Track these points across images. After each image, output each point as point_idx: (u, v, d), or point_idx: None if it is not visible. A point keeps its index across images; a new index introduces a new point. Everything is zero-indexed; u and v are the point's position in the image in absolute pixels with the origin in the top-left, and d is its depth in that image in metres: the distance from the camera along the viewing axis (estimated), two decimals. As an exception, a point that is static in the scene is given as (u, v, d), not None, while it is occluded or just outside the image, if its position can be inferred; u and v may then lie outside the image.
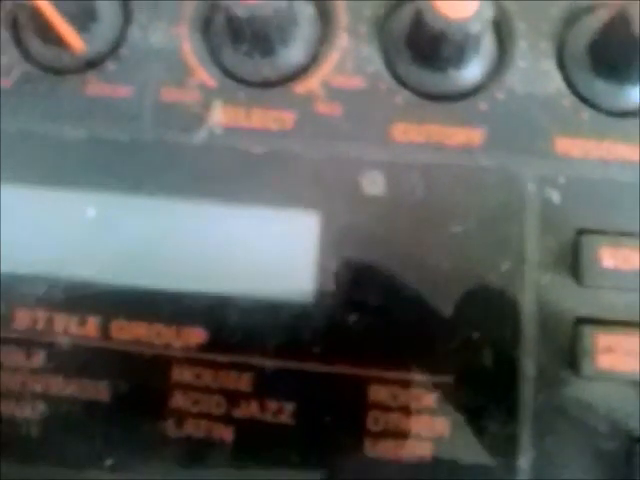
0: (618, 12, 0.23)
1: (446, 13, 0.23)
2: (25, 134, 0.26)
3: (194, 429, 0.25)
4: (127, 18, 0.27)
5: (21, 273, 0.26)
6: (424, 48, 0.25)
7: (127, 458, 0.25)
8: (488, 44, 0.26)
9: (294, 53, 0.26)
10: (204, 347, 0.25)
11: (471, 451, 0.24)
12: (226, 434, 0.25)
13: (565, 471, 0.24)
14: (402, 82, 0.26)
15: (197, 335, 0.25)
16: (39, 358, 0.25)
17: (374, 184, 0.25)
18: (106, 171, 0.26)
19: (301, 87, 0.26)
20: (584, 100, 0.26)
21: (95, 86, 0.26)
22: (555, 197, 0.25)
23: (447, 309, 0.25)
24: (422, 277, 0.25)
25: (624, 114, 0.25)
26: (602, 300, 0.24)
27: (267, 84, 0.26)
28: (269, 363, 0.25)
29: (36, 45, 0.27)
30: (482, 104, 0.26)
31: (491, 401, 0.24)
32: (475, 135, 0.25)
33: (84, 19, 0.26)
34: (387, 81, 0.26)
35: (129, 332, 0.25)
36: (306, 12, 0.27)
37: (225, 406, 0.25)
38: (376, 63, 0.26)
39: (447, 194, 0.25)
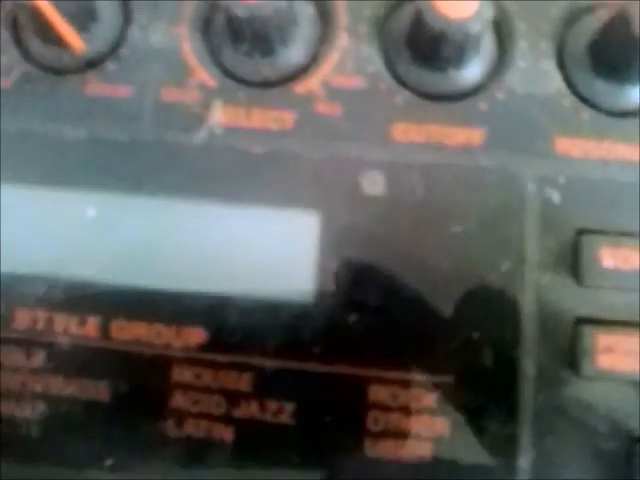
0: (618, 12, 0.23)
1: (446, 13, 0.23)
2: (25, 134, 0.26)
3: (194, 429, 0.25)
4: (127, 18, 0.27)
5: (21, 273, 0.26)
6: (424, 48, 0.25)
7: (127, 458, 0.25)
8: (488, 44, 0.26)
9: (294, 53, 0.26)
10: (204, 347, 0.25)
11: (471, 451, 0.24)
12: (226, 434, 0.25)
13: (565, 471, 0.24)
14: (402, 82, 0.26)
15: (197, 335, 0.25)
16: (39, 358, 0.25)
17: (374, 184, 0.25)
18: (106, 171, 0.26)
19: (301, 87, 0.26)
20: (584, 100, 0.26)
21: (95, 86, 0.26)
22: (555, 197, 0.25)
23: (447, 309, 0.25)
24: (422, 277, 0.25)
25: (624, 114, 0.25)
26: (602, 300, 0.24)
27: (267, 84, 0.26)
28: (269, 363, 0.25)
29: (36, 45, 0.27)
30: (482, 104, 0.26)
31: (491, 401, 0.24)
32: (475, 135, 0.25)
33: (84, 19, 0.26)
34: (387, 81, 0.26)
35: (129, 332, 0.25)
36: (306, 12, 0.26)
37: (225, 406, 0.25)
38: (376, 63, 0.26)
39: (447, 194, 0.25)
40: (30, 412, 0.25)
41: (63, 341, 0.25)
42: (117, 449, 0.25)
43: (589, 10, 0.26)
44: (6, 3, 0.27)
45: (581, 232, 0.25)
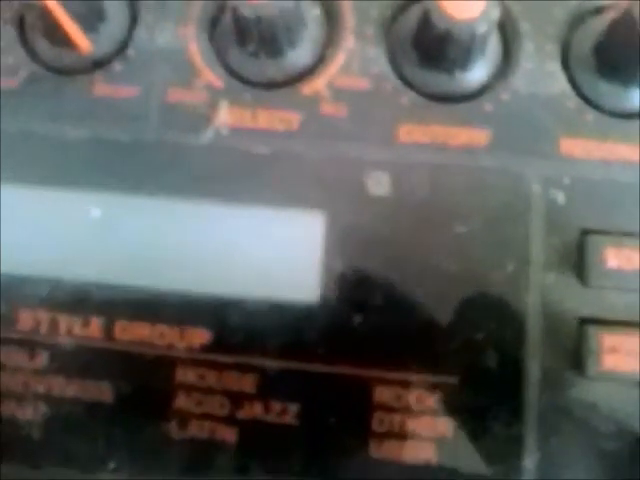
0: (623, 14, 0.24)
1: (452, 13, 0.23)
2: (32, 135, 0.26)
3: (198, 430, 0.25)
4: (134, 18, 0.27)
5: (24, 274, 0.26)
6: (430, 49, 0.25)
7: (130, 459, 0.25)
8: (494, 45, 0.26)
9: (300, 54, 0.26)
10: (208, 348, 0.25)
11: (476, 453, 0.24)
12: (230, 435, 0.25)
13: (570, 471, 0.24)
14: (408, 83, 0.26)
15: (201, 336, 0.25)
16: (42, 359, 0.25)
17: (379, 184, 0.25)
18: (110, 172, 0.26)
19: (307, 88, 0.26)
20: (588, 101, 0.26)
21: (102, 86, 0.27)
22: (560, 198, 0.25)
23: (452, 309, 0.25)
24: (427, 277, 0.25)
25: (628, 115, 0.26)
26: (607, 300, 0.24)
27: (273, 85, 0.26)
28: (273, 364, 0.25)
29: (43, 45, 0.27)
30: (487, 105, 0.26)
31: (496, 402, 0.24)
32: (480, 136, 0.26)
33: (92, 19, 0.26)
34: (393, 82, 0.26)
35: (132, 333, 0.25)
36: (312, 13, 0.27)
37: (229, 407, 0.25)
38: (382, 64, 0.26)
39: (452, 195, 0.25)
40: (32, 413, 0.25)
41: (66, 342, 0.25)
42: (120, 450, 0.25)
43: (594, 12, 0.26)
44: (13, 3, 0.27)
45: (586, 233, 0.25)
